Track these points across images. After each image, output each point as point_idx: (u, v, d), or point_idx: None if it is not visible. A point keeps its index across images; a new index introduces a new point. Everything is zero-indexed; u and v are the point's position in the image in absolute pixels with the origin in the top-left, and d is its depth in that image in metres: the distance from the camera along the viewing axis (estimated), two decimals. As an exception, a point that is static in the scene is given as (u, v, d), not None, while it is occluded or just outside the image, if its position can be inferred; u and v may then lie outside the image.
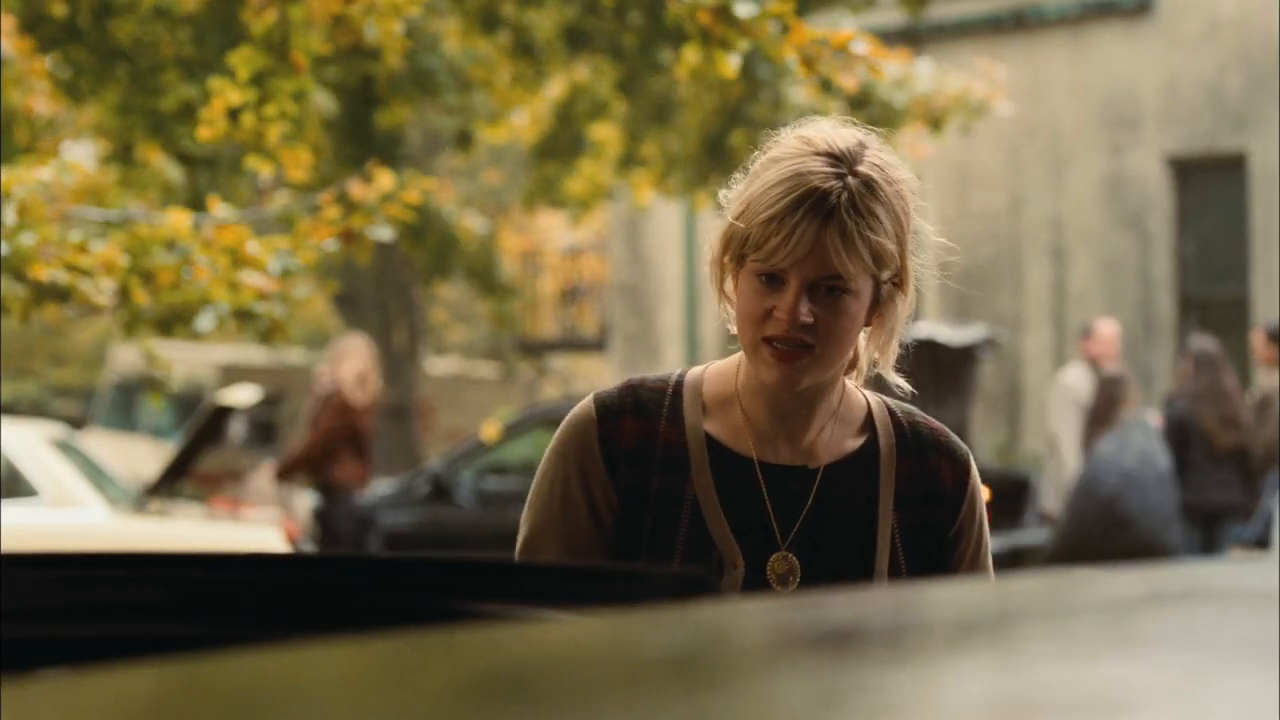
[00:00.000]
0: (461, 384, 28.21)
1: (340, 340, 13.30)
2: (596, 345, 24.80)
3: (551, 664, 1.22)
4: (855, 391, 2.83)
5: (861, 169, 2.65)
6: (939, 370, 13.03)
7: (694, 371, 2.80)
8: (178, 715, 1.09)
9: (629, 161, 15.88)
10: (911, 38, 20.20)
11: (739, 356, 2.76)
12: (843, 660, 1.20)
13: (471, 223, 20.37)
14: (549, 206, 17.52)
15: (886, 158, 2.72)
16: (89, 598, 1.94)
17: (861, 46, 6.90)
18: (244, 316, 7.41)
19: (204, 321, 7.31)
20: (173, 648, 1.69)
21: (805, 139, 2.67)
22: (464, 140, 16.16)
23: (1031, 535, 12.99)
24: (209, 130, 7.31)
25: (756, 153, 2.72)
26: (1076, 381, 13.18)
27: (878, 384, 2.90)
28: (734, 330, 2.72)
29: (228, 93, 7.16)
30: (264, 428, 24.47)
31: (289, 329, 7.71)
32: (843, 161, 2.64)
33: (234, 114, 7.24)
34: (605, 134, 16.12)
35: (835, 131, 2.70)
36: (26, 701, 1.08)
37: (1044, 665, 1.13)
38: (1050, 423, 13.15)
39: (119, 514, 11.42)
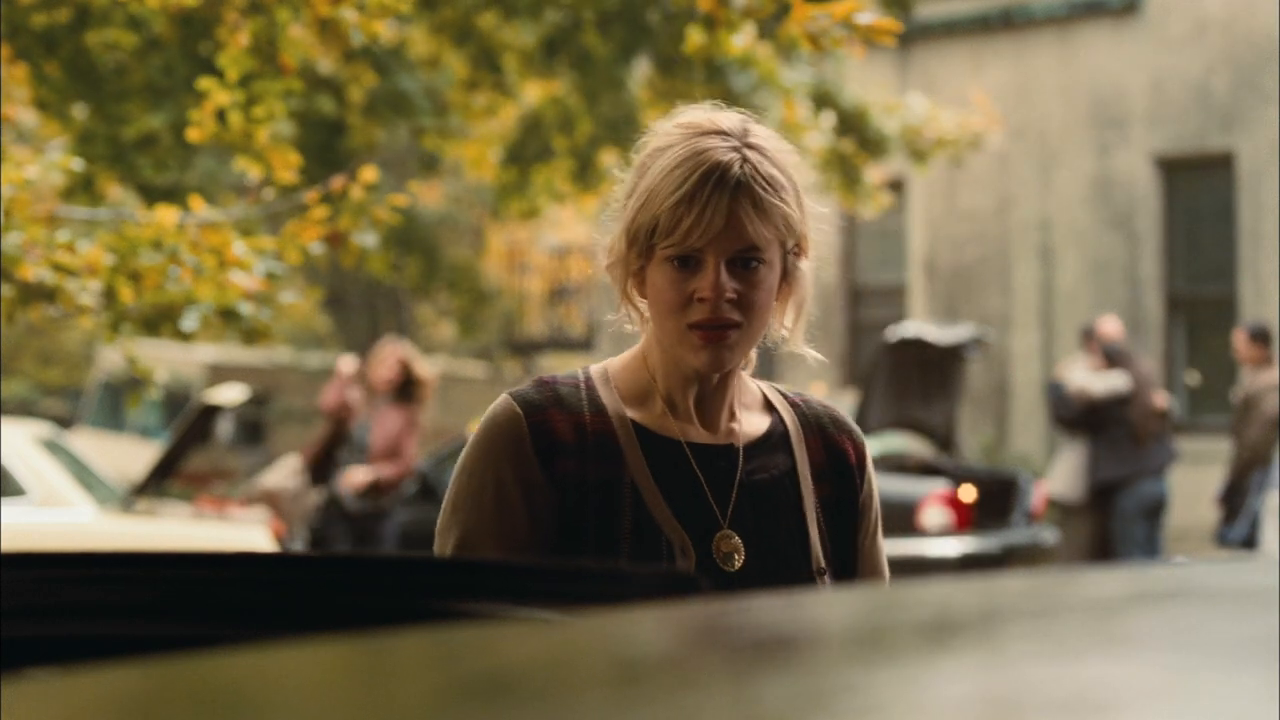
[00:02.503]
0: (448, 383, 28.17)
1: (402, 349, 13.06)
2: (584, 344, 24.79)
3: (537, 664, 1.22)
4: (745, 376, 2.83)
5: (753, 140, 2.66)
6: (926, 369, 13.05)
7: (596, 367, 2.79)
8: (165, 715, 1.09)
9: (585, 171, 15.90)
10: (899, 37, 20.21)
11: (640, 349, 2.76)
12: (828, 660, 1.20)
13: (455, 233, 20.41)
14: (518, 217, 17.50)
15: (769, 131, 2.72)
16: (76, 597, 1.94)
17: (865, 17, 6.90)
18: (229, 316, 7.40)
19: (188, 321, 7.30)
20: (160, 647, 1.69)
21: (687, 124, 2.68)
22: (431, 163, 16.17)
23: (1020, 534, 13.01)
24: (198, 132, 7.30)
25: (635, 152, 2.72)
26: (1082, 370, 13.44)
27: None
28: (632, 328, 2.76)
29: (216, 94, 7.15)
30: (251, 427, 24.44)
31: (274, 331, 7.70)
32: (733, 136, 2.65)
33: (221, 116, 7.22)
34: (567, 145, 16.13)
35: (714, 113, 2.71)
36: (15, 702, 1.08)
37: (1029, 665, 1.13)
38: (1074, 384, 13.33)
39: (107, 513, 11.41)
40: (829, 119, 14.75)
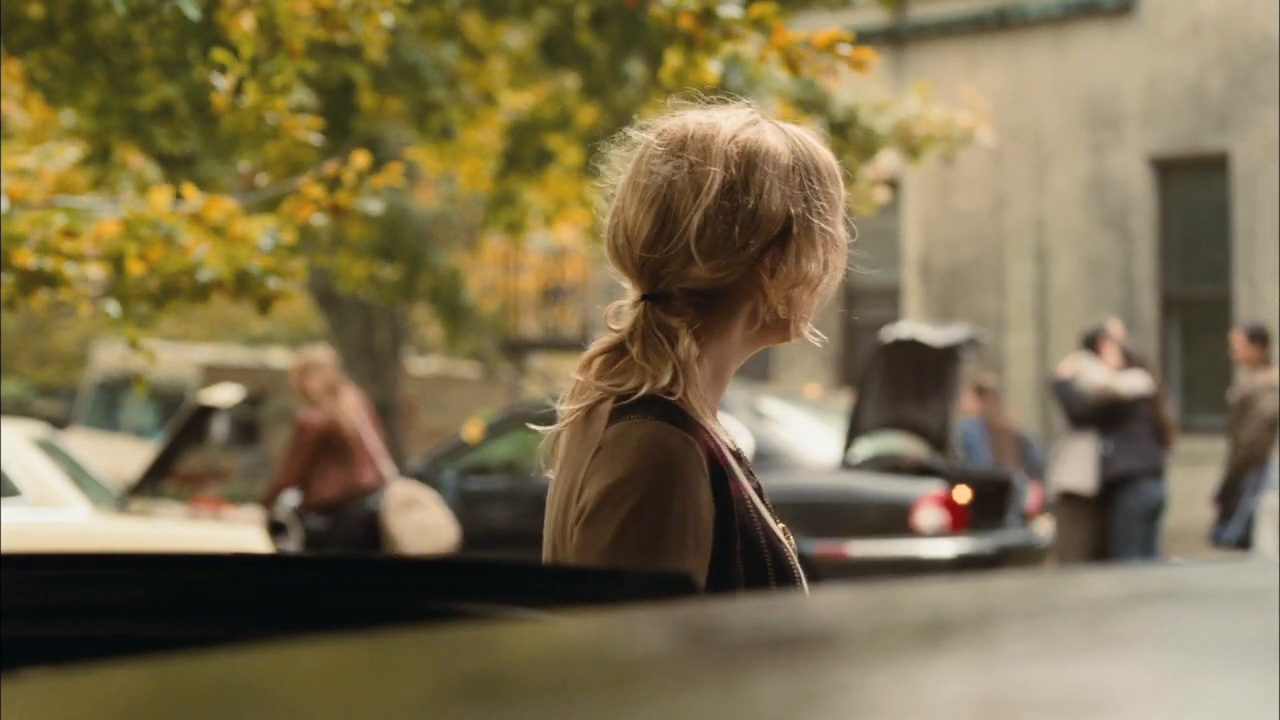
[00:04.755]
0: (443, 383, 28.19)
1: (303, 353, 12.88)
2: (578, 345, 24.76)
3: (533, 664, 1.22)
4: None
5: None
6: (922, 370, 13.05)
7: (654, 390, 2.58)
8: (164, 715, 1.09)
9: (587, 173, 15.88)
10: (894, 38, 20.21)
11: (688, 364, 2.60)
12: (823, 660, 1.20)
13: (450, 232, 20.37)
14: (505, 231, 17.49)
15: None
16: (71, 597, 1.94)
17: (845, 48, 6.89)
18: (242, 280, 7.40)
19: (203, 276, 7.31)
20: (154, 648, 1.69)
21: (748, 124, 2.68)
22: (446, 133, 16.15)
23: (1014, 535, 13.02)
24: (220, 99, 7.30)
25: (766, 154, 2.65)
26: (1101, 370, 13.52)
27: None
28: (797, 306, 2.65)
29: (233, 67, 7.17)
30: (246, 427, 24.46)
31: (289, 295, 7.67)
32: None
33: (239, 85, 7.23)
34: (564, 147, 16.08)
35: (737, 109, 2.75)
36: (13, 702, 1.08)
37: (1024, 665, 1.14)
38: (1095, 382, 13.39)
39: (101, 514, 11.41)
40: (819, 122, 14.75)
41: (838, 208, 2.69)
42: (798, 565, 2.62)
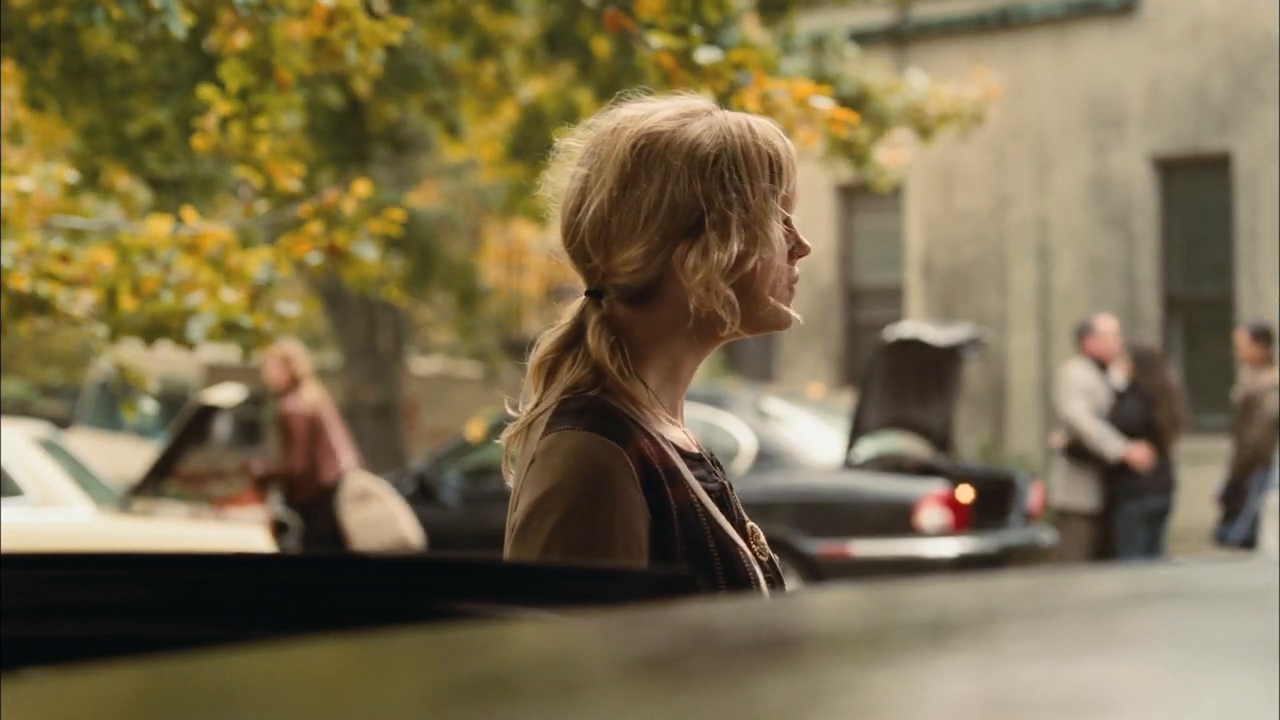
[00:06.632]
0: (446, 384, 28.16)
1: (279, 344, 12.93)
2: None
3: (534, 664, 1.22)
4: None
5: None
6: (924, 370, 13.05)
7: (589, 393, 2.57)
8: (162, 715, 1.09)
9: None
10: (896, 38, 20.21)
11: (616, 362, 2.57)
12: (826, 660, 1.20)
13: (453, 233, 20.38)
14: (526, 219, 17.50)
15: None
16: (72, 597, 1.94)
17: (823, 102, 6.87)
18: (230, 329, 7.41)
19: (194, 332, 7.32)
20: (156, 647, 1.69)
21: (682, 113, 2.62)
22: (454, 130, 16.15)
23: (1017, 534, 13.01)
24: (203, 140, 7.30)
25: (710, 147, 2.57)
26: (1081, 375, 13.30)
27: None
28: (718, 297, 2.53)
29: (218, 104, 7.15)
30: (248, 427, 24.44)
31: (273, 337, 7.71)
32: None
33: (224, 125, 7.21)
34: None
35: (668, 101, 2.69)
36: (15, 702, 1.08)
37: (1026, 665, 1.13)
38: (1065, 411, 13.23)
39: (104, 514, 11.41)
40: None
41: (770, 201, 2.57)
42: (754, 566, 2.57)
